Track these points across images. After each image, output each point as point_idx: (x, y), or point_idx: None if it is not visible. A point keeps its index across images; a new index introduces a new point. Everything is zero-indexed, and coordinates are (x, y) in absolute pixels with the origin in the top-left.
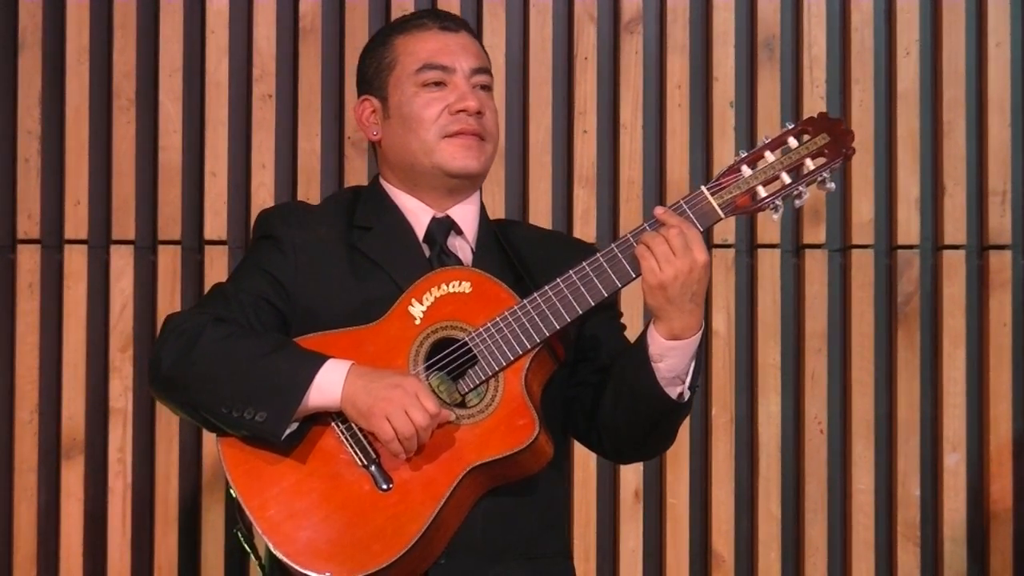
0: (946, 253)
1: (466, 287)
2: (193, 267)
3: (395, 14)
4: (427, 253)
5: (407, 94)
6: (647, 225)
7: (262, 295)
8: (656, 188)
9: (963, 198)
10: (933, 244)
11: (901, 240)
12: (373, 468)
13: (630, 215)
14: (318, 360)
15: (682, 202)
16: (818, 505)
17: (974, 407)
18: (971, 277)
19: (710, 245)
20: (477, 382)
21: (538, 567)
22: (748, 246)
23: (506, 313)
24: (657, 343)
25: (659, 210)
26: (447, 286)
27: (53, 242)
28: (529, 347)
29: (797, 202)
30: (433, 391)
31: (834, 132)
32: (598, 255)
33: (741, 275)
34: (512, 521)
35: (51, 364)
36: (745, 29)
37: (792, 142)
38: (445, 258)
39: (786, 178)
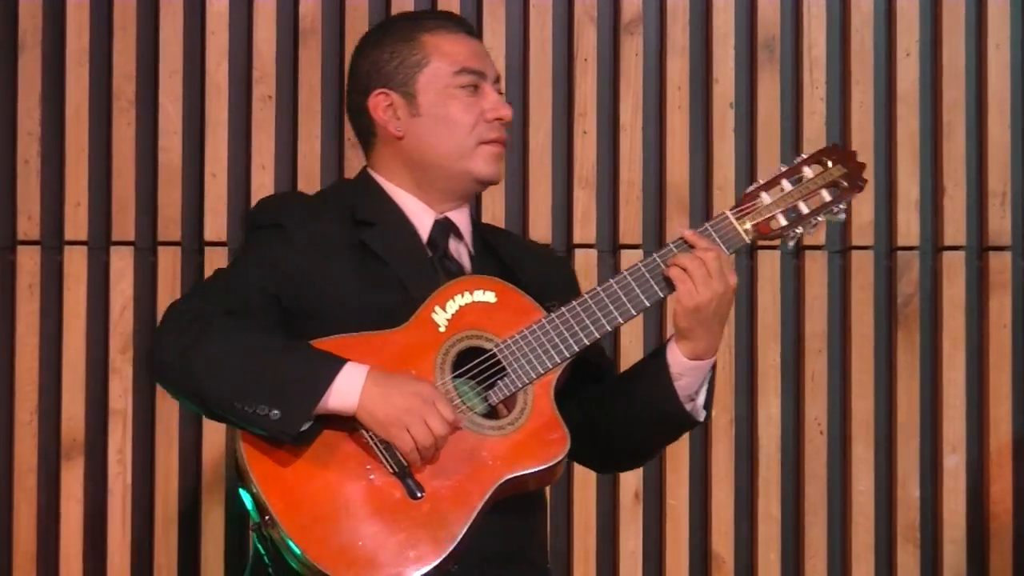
0: (946, 254)
1: (491, 297)
2: (193, 268)
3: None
4: (429, 255)
5: (442, 95)
6: (673, 246)
7: (266, 289)
8: (656, 189)
9: (963, 199)
10: (933, 245)
11: (901, 241)
12: (404, 475)
13: (630, 216)
14: (338, 361)
15: (709, 226)
16: (818, 507)
17: (974, 408)
18: (971, 278)
19: None
20: (507, 394)
21: (537, 572)
22: (748, 247)
23: (534, 326)
24: (678, 362)
25: (688, 233)
26: (471, 294)
27: (53, 243)
28: (559, 361)
29: (811, 231)
30: (461, 400)
31: (848, 164)
32: (624, 273)
33: (741, 276)
34: (514, 528)
35: (51, 365)
36: (745, 30)
37: (807, 172)
38: (447, 262)
39: (803, 208)
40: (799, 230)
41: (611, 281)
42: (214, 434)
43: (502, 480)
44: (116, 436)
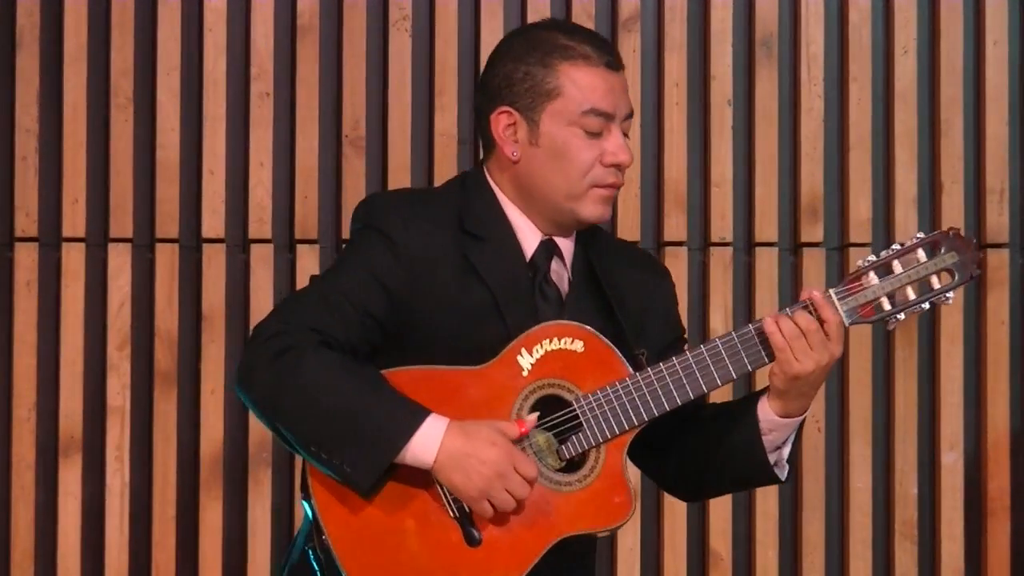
0: None
1: (579, 346)
2: (191, 265)
3: (392, 13)
4: (529, 275)
5: (564, 131)
6: (778, 317)
7: (367, 310)
8: (654, 186)
9: (961, 196)
10: None
11: (899, 238)
12: (465, 521)
13: (628, 213)
14: (416, 418)
15: (809, 302)
16: (816, 503)
17: (971, 406)
18: None
19: (708, 243)
20: (579, 450)
21: None
22: (746, 244)
23: (617, 384)
24: (769, 418)
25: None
26: (559, 341)
27: (51, 240)
28: (636, 424)
29: (913, 315)
30: (532, 450)
31: (963, 252)
32: (717, 343)
33: (739, 273)
34: (571, 568)
35: (49, 362)
36: (743, 27)
37: (921, 255)
38: (546, 286)
39: (911, 294)
40: (902, 316)
41: (702, 349)
42: (212, 431)
43: (560, 538)
44: (114, 433)
